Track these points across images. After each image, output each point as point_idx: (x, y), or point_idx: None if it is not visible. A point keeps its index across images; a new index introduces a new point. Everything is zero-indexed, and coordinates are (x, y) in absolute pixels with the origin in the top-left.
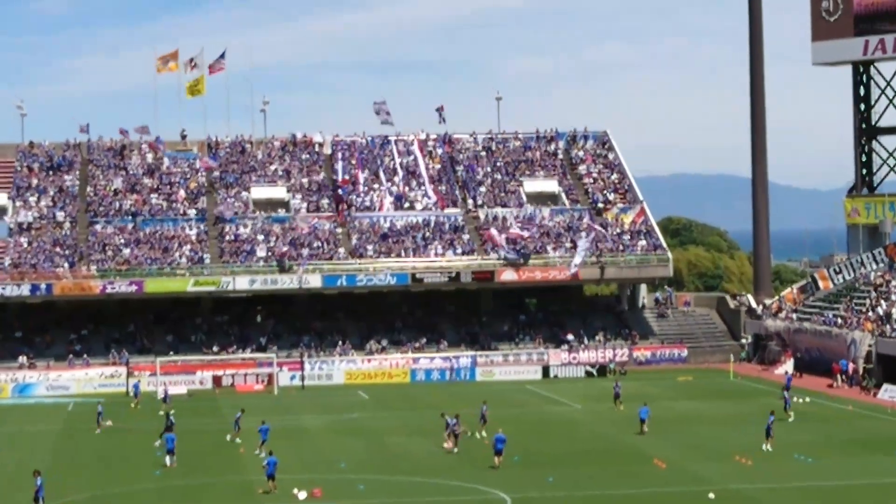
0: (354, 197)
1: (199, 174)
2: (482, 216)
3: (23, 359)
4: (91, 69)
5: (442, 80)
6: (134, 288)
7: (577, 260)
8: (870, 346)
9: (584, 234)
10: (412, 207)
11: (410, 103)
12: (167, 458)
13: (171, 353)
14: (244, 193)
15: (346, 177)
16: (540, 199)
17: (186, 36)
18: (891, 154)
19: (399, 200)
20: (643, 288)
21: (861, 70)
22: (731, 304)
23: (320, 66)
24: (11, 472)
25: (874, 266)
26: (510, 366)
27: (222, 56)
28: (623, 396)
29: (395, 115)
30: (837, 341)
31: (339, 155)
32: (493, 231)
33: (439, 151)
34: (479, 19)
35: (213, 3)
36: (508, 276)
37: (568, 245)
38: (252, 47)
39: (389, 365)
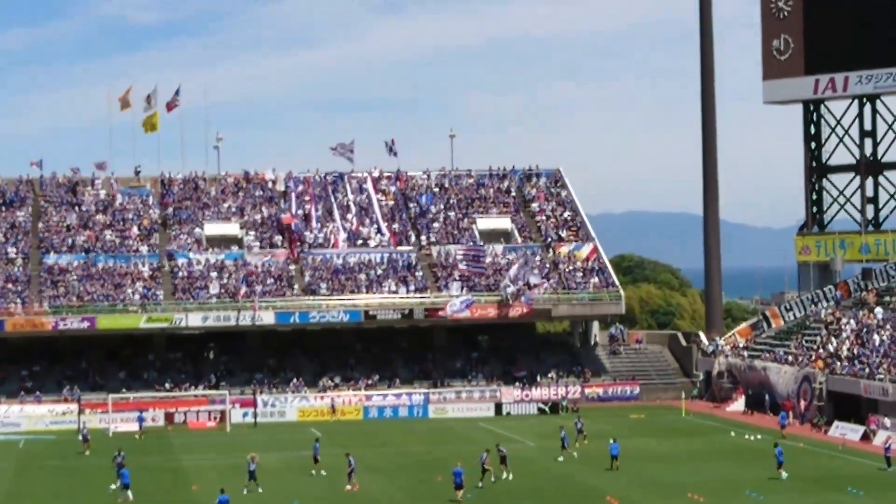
0: (308, 234)
1: (152, 210)
2: (434, 253)
3: None
4: (45, 105)
5: (396, 117)
6: (86, 324)
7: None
8: (821, 383)
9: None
10: (365, 244)
11: (363, 141)
12: (124, 494)
13: (124, 389)
14: (197, 230)
15: (298, 212)
16: (493, 236)
17: (140, 73)
18: (841, 192)
19: (352, 237)
20: (595, 325)
21: (812, 109)
22: (685, 343)
23: (274, 103)
24: None
25: (825, 304)
26: (463, 403)
27: (177, 93)
28: (577, 434)
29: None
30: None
31: (293, 192)
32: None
33: (392, 189)
34: (433, 59)
35: (167, 40)
36: (461, 313)
37: (521, 282)
38: (206, 84)
39: (342, 402)
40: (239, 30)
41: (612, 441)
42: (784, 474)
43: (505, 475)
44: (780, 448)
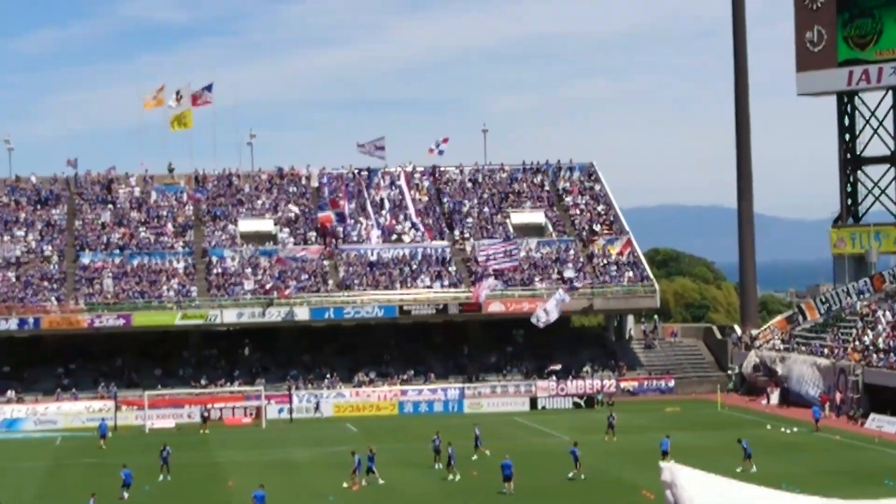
0: (341, 229)
1: (187, 207)
2: (469, 248)
3: (11, 393)
4: (78, 106)
5: (428, 116)
6: (122, 322)
7: (551, 309)
8: (857, 375)
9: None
10: (399, 240)
11: (395, 139)
12: (123, 492)
13: (159, 386)
14: (231, 226)
15: (329, 212)
16: (527, 230)
17: (172, 73)
18: (876, 184)
19: (386, 233)
20: (630, 319)
21: (845, 100)
22: (720, 336)
23: (305, 103)
24: None
25: (860, 296)
26: (498, 397)
27: (209, 88)
28: (607, 428)
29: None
30: (824, 372)
31: (326, 188)
32: (483, 285)
33: (426, 184)
34: (462, 58)
35: (198, 40)
36: (496, 307)
37: (555, 276)
38: (237, 83)
39: (377, 397)
40: (266, 30)
41: (664, 437)
42: (754, 468)
43: (451, 476)
44: (745, 441)
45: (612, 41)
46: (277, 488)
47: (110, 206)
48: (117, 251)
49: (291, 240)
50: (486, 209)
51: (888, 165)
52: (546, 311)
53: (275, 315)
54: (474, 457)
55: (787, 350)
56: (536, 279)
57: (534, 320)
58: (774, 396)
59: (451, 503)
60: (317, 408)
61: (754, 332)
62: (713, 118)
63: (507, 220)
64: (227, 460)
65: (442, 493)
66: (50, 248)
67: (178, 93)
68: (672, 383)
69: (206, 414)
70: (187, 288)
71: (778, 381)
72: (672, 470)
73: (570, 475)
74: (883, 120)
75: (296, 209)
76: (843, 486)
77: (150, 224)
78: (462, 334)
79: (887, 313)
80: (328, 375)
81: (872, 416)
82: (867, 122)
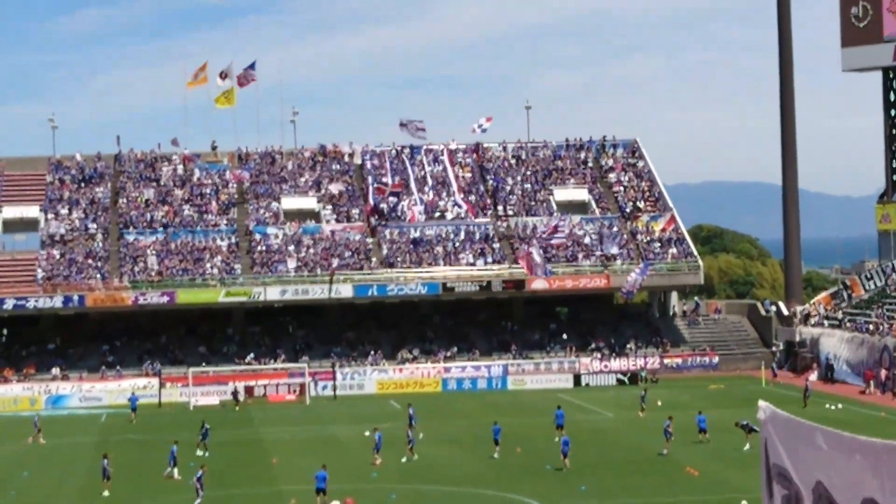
0: (384, 207)
1: (230, 185)
2: (512, 225)
3: (56, 370)
4: (122, 85)
5: (472, 93)
6: (166, 299)
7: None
8: None
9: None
10: (442, 217)
11: (439, 116)
12: (174, 471)
13: (203, 363)
14: (274, 204)
15: (382, 185)
16: (570, 207)
17: (216, 52)
18: None
19: (429, 210)
20: (674, 295)
21: (891, 76)
22: (764, 312)
23: (348, 80)
24: (49, 486)
25: None
26: (541, 374)
27: (252, 67)
28: (657, 405)
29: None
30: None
31: (369, 165)
32: (533, 252)
33: (469, 161)
34: (506, 35)
35: (242, 18)
36: (539, 284)
37: (598, 253)
38: (280, 61)
39: (421, 374)
40: (310, 7)
41: (698, 413)
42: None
43: (406, 458)
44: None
45: (658, 18)
46: (321, 465)
47: (154, 184)
48: (161, 229)
49: (334, 217)
50: (529, 186)
51: None
52: (628, 283)
53: (318, 292)
54: (420, 435)
55: (831, 326)
56: (580, 256)
57: (623, 293)
58: (814, 374)
59: (503, 481)
60: (326, 387)
61: (799, 308)
62: (758, 95)
63: (551, 197)
64: (270, 437)
65: (488, 470)
66: (94, 226)
67: (222, 73)
68: (716, 360)
69: (235, 392)
70: (231, 265)
71: (819, 357)
72: (765, 409)
73: None
74: None
75: (339, 187)
76: None
77: (194, 202)
78: (506, 311)
79: None
80: (372, 352)
81: None
82: None
